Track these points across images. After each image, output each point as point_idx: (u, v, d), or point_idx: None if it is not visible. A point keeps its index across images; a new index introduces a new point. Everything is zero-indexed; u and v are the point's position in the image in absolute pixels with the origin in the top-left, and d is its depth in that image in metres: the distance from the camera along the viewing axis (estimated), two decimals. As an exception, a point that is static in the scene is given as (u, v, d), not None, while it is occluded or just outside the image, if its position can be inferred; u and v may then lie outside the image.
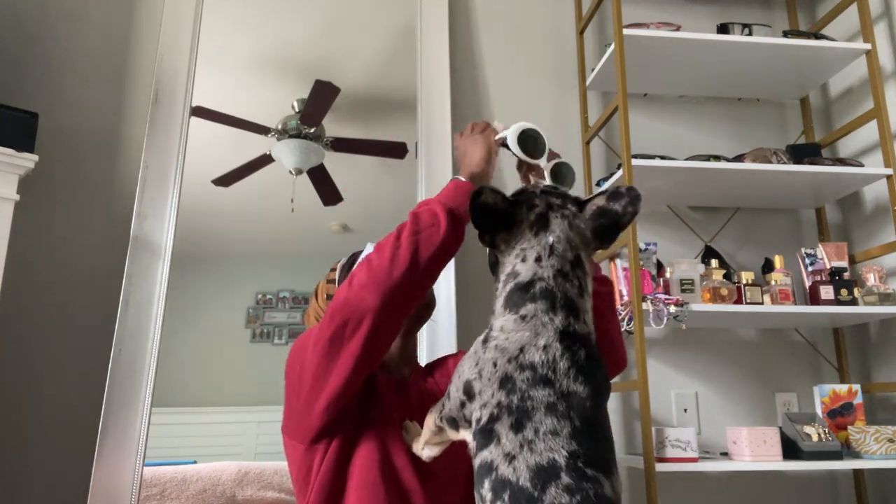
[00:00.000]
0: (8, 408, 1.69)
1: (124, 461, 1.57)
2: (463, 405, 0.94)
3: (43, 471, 1.68)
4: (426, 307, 1.28)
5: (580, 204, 0.99)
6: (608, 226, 0.97)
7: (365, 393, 1.14)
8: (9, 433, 1.68)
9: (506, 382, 0.88)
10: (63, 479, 1.67)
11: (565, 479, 0.81)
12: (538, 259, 0.94)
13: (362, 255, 1.22)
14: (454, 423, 0.97)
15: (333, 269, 1.31)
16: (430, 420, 1.04)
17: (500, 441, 0.85)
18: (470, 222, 0.97)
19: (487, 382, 0.90)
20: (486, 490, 0.84)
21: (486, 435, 0.87)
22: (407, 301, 1.01)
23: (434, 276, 1.04)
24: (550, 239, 0.95)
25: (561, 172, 1.26)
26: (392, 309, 0.99)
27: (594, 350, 0.93)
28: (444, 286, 1.83)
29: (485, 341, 0.95)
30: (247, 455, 1.79)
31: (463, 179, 1.11)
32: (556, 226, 0.96)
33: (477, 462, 0.87)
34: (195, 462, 1.76)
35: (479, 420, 0.89)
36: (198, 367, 1.83)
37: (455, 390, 0.96)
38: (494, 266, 1.01)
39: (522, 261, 0.94)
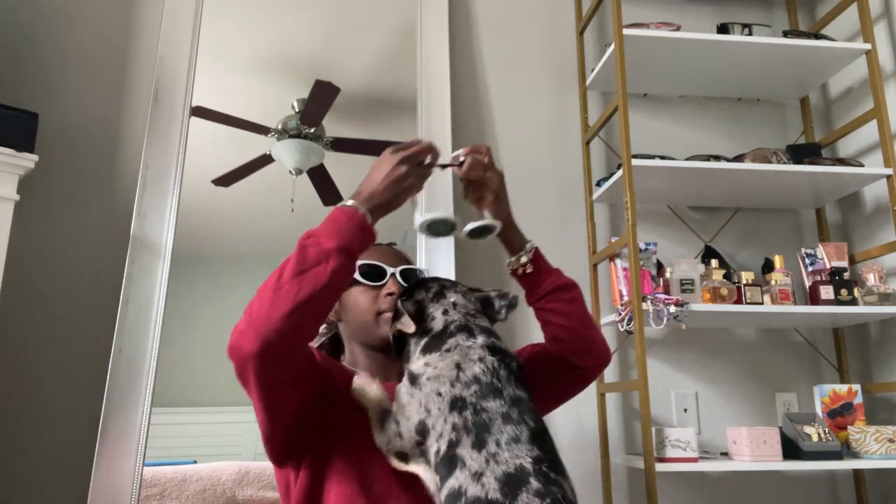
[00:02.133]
0: (8, 408, 1.69)
1: (124, 461, 1.57)
2: (419, 444, 0.95)
3: (43, 471, 1.68)
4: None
5: (471, 289, 1.11)
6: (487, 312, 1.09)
7: (330, 414, 1.08)
8: (9, 433, 1.68)
9: (456, 403, 0.91)
10: (63, 479, 1.67)
11: (535, 483, 0.84)
12: (445, 312, 1.04)
13: None
14: (404, 458, 0.98)
15: None
16: (379, 440, 1.02)
17: (466, 464, 0.86)
18: (361, 251, 1.00)
19: (438, 413, 0.92)
20: None
21: (450, 462, 0.87)
22: (294, 339, 0.94)
23: (323, 312, 0.97)
24: (452, 299, 1.06)
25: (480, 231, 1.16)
26: (275, 351, 0.92)
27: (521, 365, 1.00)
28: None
29: (413, 382, 0.97)
30: (247, 455, 1.79)
31: (357, 206, 1.00)
32: (451, 294, 1.07)
33: (444, 494, 0.87)
34: (195, 462, 1.76)
35: (437, 452, 0.90)
36: (198, 367, 1.83)
37: (406, 431, 0.96)
38: (401, 344, 1.07)
39: (431, 320, 1.03)
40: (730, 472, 1.97)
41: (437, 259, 1.86)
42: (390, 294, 1.15)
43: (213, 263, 1.91)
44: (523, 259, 1.15)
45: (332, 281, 0.94)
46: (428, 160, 1.08)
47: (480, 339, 0.99)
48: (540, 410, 1.13)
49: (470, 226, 1.12)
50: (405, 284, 1.17)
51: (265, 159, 1.96)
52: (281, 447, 1.06)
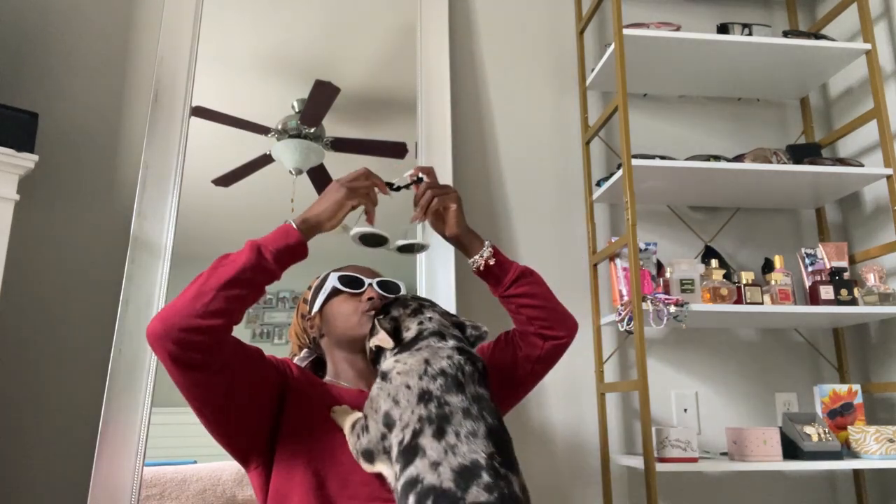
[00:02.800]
0: (8, 408, 1.69)
1: (124, 461, 1.57)
2: (384, 437, 0.99)
3: (43, 471, 1.68)
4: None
5: (447, 313, 1.17)
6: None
7: (294, 417, 1.14)
8: (9, 433, 1.68)
9: (423, 395, 0.97)
10: (63, 479, 1.67)
11: (485, 477, 0.88)
12: (420, 323, 1.10)
13: (329, 280, 1.26)
14: (370, 456, 1.02)
15: (310, 288, 1.33)
16: (350, 443, 1.08)
17: (426, 453, 0.91)
18: (287, 256, 1.07)
19: (407, 404, 0.97)
20: (410, 503, 0.88)
21: (411, 452, 0.92)
22: (197, 325, 0.99)
23: (231, 301, 1.02)
24: (428, 314, 1.13)
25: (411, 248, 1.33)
26: (178, 335, 0.98)
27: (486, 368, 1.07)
28: (444, 285, 1.83)
29: (384, 378, 1.03)
30: (247, 455, 1.78)
31: (294, 224, 1.11)
32: (429, 311, 1.14)
33: (401, 482, 0.91)
34: (195, 462, 1.76)
35: (401, 441, 0.95)
36: (198, 367, 1.82)
37: (374, 423, 1.01)
38: (378, 356, 1.12)
39: (406, 331, 1.10)
40: (730, 472, 1.97)
41: (435, 260, 1.86)
42: (371, 298, 1.24)
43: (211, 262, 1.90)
44: (486, 255, 1.24)
45: (239, 272, 1.02)
46: (386, 183, 1.21)
47: (451, 343, 1.07)
48: (519, 392, 1.28)
49: (399, 242, 1.26)
50: (382, 292, 1.26)
51: (265, 159, 1.96)
52: (233, 445, 1.13)
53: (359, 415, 1.10)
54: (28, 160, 1.54)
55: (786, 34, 2.03)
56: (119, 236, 1.77)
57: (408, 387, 0.99)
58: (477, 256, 1.25)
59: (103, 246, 1.81)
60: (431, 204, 1.22)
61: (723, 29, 2.03)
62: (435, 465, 0.89)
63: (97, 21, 1.99)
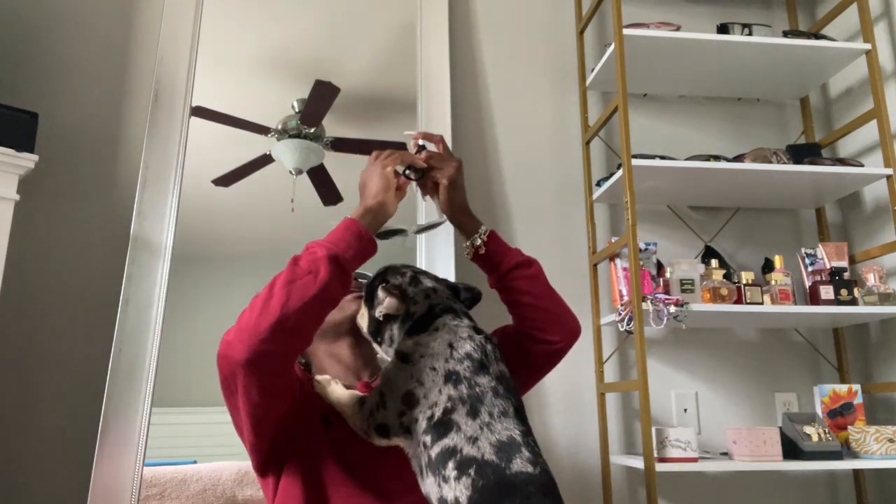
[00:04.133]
0: (8, 408, 1.69)
1: (124, 461, 1.57)
2: (402, 414, 0.99)
3: (43, 471, 1.68)
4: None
5: (438, 278, 1.15)
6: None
7: (301, 418, 1.12)
8: (9, 433, 1.68)
9: (450, 376, 0.97)
10: (63, 479, 1.67)
11: (526, 452, 0.91)
12: (427, 296, 1.08)
13: None
14: (385, 431, 1.01)
15: None
16: (355, 417, 1.06)
17: (461, 428, 0.92)
18: (361, 261, 1.03)
19: (432, 384, 0.97)
20: (449, 470, 0.90)
21: (444, 426, 0.93)
22: (283, 350, 0.96)
23: (314, 322, 0.98)
24: (430, 284, 1.10)
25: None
26: (265, 360, 0.94)
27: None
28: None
29: (403, 360, 1.02)
30: (247, 455, 1.78)
31: (354, 217, 1.06)
32: (427, 279, 1.12)
33: (436, 450, 0.92)
34: (195, 462, 1.76)
35: (431, 417, 0.95)
36: (198, 367, 1.82)
37: (392, 401, 1.00)
38: (380, 326, 1.10)
39: (414, 304, 1.07)
40: (730, 472, 1.97)
41: (437, 258, 1.86)
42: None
43: (213, 263, 1.91)
44: (477, 241, 1.17)
45: (322, 291, 0.96)
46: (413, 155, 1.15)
47: (466, 321, 1.05)
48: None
49: (417, 225, 1.22)
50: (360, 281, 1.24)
51: (265, 159, 1.96)
52: (265, 458, 1.09)
53: (353, 395, 1.09)
54: (28, 160, 1.54)
55: (786, 34, 2.03)
56: (119, 236, 1.77)
57: (433, 369, 0.98)
58: (467, 243, 1.19)
59: (103, 246, 1.81)
60: (430, 161, 1.16)
61: (723, 29, 2.03)
62: (473, 440, 0.91)
63: (97, 21, 1.99)
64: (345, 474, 1.09)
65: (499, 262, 1.18)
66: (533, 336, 1.17)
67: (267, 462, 1.10)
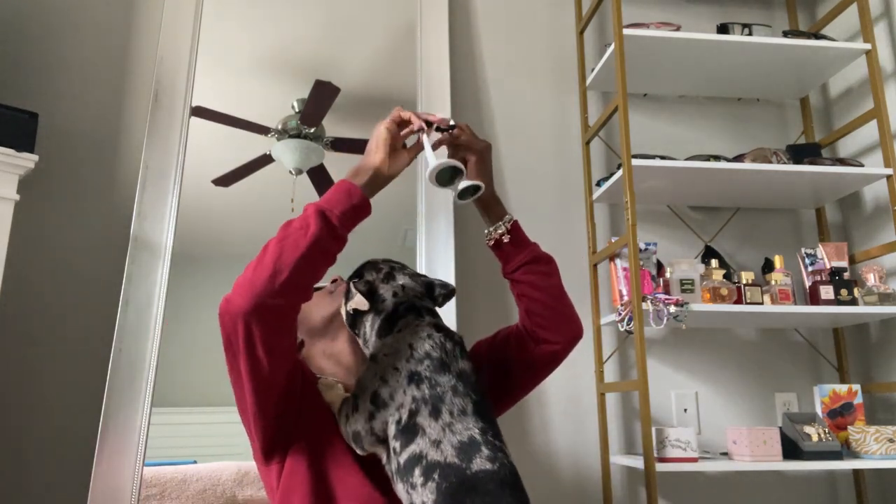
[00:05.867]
0: (8, 407, 1.69)
1: (124, 461, 1.57)
2: (372, 416, 1.00)
3: (43, 471, 1.68)
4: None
5: (417, 274, 1.18)
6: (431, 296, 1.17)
7: (306, 410, 1.12)
8: (9, 433, 1.68)
9: (413, 377, 0.99)
10: (63, 479, 1.67)
11: (485, 450, 0.93)
12: (395, 294, 1.11)
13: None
14: (358, 439, 1.03)
15: None
16: (341, 427, 1.08)
17: (426, 432, 0.95)
18: (352, 219, 1.03)
19: (396, 384, 0.99)
20: (416, 477, 0.92)
21: (410, 431, 0.95)
22: (281, 302, 0.97)
23: (307, 275, 0.99)
24: (401, 282, 1.14)
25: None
26: (264, 312, 0.96)
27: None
28: (444, 277, 1.83)
29: (372, 360, 1.05)
30: (247, 455, 1.76)
31: (346, 177, 1.07)
32: (400, 276, 1.15)
33: (403, 458, 0.94)
34: (195, 462, 1.76)
35: (398, 421, 0.97)
36: (198, 367, 1.83)
37: (362, 403, 1.01)
38: (355, 320, 1.13)
39: (382, 301, 1.11)
40: (730, 472, 1.97)
41: (436, 258, 1.86)
42: (334, 280, 1.27)
43: (213, 263, 1.91)
44: (500, 230, 1.17)
45: (313, 244, 0.98)
46: (417, 127, 1.14)
47: (427, 319, 1.08)
48: (510, 396, 1.24)
49: (463, 183, 1.12)
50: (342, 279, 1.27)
51: (265, 159, 1.96)
52: (270, 440, 1.08)
53: (345, 396, 1.11)
54: (28, 160, 1.54)
55: (786, 34, 2.03)
56: (119, 236, 1.77)
57: (395, 369, 1.01)
58: (491, 228, 1.18)
59: (103, 246, 1.81)
60: (455, 145, 1.15)
61: (723, 29, 2.03)
62: (437, 443, 0.93)
63: (97, 21, 1.99)
64: (353, 465, 1.09)
65: (518, 252, 1.17)
66: (535, 334, 1.17)
67: (272, 446, 1.10)
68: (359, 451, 1.04)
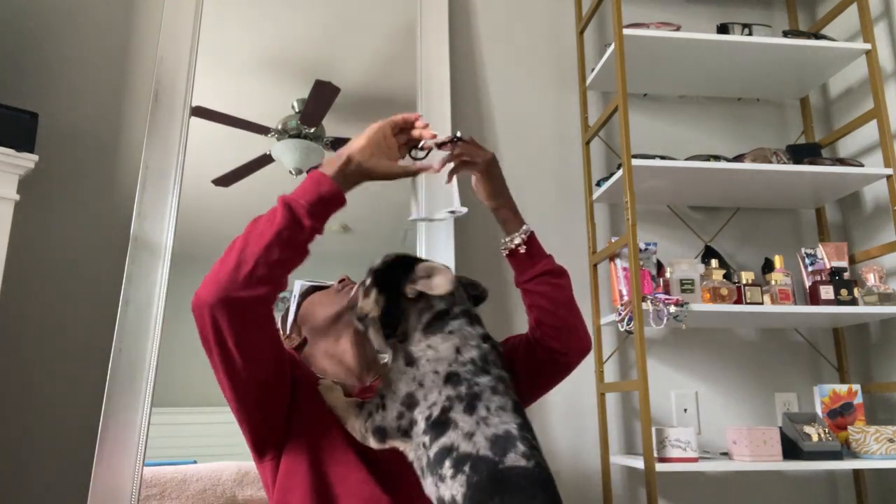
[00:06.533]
0: (8, 408, 1.69)
1: (124, 461, 1.57)
2: (401, 416, 0.98)
3: (43, 471, 1.68)
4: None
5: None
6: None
7: (303, 409, 1.12)
8: (9, 433, 1.68)
9: (451, 378, 0.96)
10: (63, 479, 1.67)
11: (521, 446, 0.90)
12: (452, 293, 1.04)
13: (295, 287, 1.25)
14: (382, 434, 1.01)
15: None
16: (355, 422, 1.06)
17: (458, 425, 0.92)
18: (321, 209, 1.00)
19: (432, 385, 0.97)
20: (445, 468, 0.89)
21: (442, 425, 0.93)
22: (248, 294, 0.95)
23: (274, 267, 0.96)
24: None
25: None
26: (232, 306, 0.94)
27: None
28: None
29: (410, 364, 1.00)
30: (247, 455, 1.77)
31: (324, 170, 1.04)
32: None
33: (434, 450, 0.92)
34: (195, 462, 1.76)
35: (429, 417, 0.95)
36: (198, 367, 1.82)
37: (392, 403, 0.99)
38: (400, 306, 1.05)
39: (434, 297, 1.04)
40: (730, 472, 1.97)
41: (436, 259, 1.86)
42: (342, 280, 1.27)
43: (213, 263, 1.91)
44: (517, 240, 1.17)
45: (278, 235, 0.96)
46: (419, 133, 1.11)
47: (479, 329, 1.04)
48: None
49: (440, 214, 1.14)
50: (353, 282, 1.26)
51: (265, 159, 1.96)
52: (259, 434, 1.08)
53: (351, 401, 1.09)
54: (28, 160, 1.54)
55: (786, 34, 2.03)
56: (119, 236, 1.77)
57: (436, 372, 0.98)
58: (507, 238, 1.18)
59: (103, 246, 1.81)
60: (456, 163, 1.13)
61: (723, 29, 2.03)
62: (469, 436, 0.90)
63: (97, 21, 1.99)
64: (356, 463, 1.08)
65: (534, 263, 1.17)
66: (544, 344, 1.16)
67: (261, 440, 1.09)
68: (374, 445, 1.02)
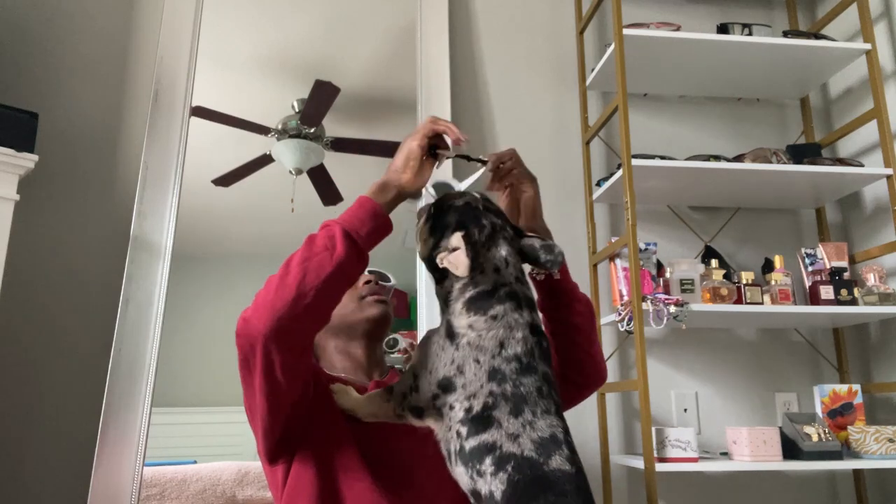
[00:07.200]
0: (8, 407, 1.69)
1: (124, 461, 1.57)
2: (436, 397, 0.97)
3: (43, 471, 1.68)
4: (383, 322, 1.27)
5: (514, 229, 1.05)
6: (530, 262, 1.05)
7: (316, 414, 1.11)
8: (9, 433, 1.68)
9: (495, 374, 0.94)
10: (63, 479, 1.67)
11: (565, 450, 0.92)
12: (496, 270, 0.99)
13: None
14: (419, 412, 1.00)
15: None
16: (386, 407, 1.05)
17: (502, 425, 0.91)
18: (376, 239, 1.00)
19: (474, 377, 0.95)
20: (486, 465, 0.89)
21: (484, 421, 0.92)
22: (301, 326, 0.95)
23: (331, 299, 0.97)
24: (503, 252, 1.01)
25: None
26: (283, 336, 0.93)
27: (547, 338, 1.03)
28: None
29: (451, 338, 0.98)
30: (247, 455, 1.78)
31: (368, 195, 1.02)
32: (503, 244, 1.01)
33: (472, 443, 0.91)
34: (195, 462, 1.76)
35: (469, 409, 0.94)
36: (198, 367, 1.83)
37: (426, 384, 0.98)
38: (444, 275, 1.01)
39: (481, 272, 0.99)
40: (730, 472, 1.97)
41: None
42: (368, 282, 1.26)
43: (213, 263, 1.91)
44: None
45: (338, 268, 0.95)
46: (451, 144, 1.08)
47: (526, 316, 0.99)
48: None
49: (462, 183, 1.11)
50: (375, 277, 1.27)
51: (265, 159, 1.96)
52: (276, 443, 1.07)
53: (368, 394, 1.09)
54: (28, 160, 1.54)
55: (786, 34, 2.03)
56: (119, 236, 1.77)
57: (477, 361, 0.95)
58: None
59: (103, 246, 1.81)
60: (510, 172, 1.11)
61: (723, 29, 2.03)
62: (514, 437, 0.91)
63: (97, 21, 1.99)
64: (364, 469, 1.08)
65: (562, 291, 1.16)
66: (565, 374, 1.16)
67: (278, 448, 1.09)
68: (414, 423, 1.01)
